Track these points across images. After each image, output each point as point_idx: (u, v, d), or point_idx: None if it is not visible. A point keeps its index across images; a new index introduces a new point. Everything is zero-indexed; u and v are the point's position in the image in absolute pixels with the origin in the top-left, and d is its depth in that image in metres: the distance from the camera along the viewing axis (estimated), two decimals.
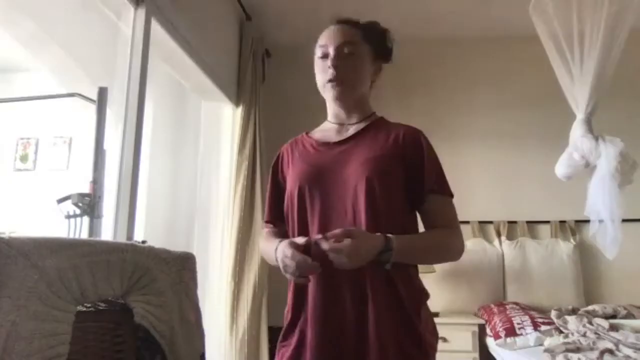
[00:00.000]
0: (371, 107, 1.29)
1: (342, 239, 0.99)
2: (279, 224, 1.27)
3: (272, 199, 1.28)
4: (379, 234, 1.05)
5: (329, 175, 1.15)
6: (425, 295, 1.15)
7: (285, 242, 1.08)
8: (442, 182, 1.16)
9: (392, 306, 1.06)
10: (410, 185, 1.14)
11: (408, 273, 1.11)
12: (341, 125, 1.24)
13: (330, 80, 1.17)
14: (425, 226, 1.18)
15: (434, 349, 1.11)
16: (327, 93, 1.21)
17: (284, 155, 1.29)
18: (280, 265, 1.08)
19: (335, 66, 1.17)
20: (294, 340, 1.11)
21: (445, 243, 1.15)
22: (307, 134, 1.29)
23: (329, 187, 1.13)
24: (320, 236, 1.02)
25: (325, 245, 1.00)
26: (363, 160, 1.12)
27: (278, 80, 3.60)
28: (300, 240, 1.06)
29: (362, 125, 1.22)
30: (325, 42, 1.20)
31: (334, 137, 1.23)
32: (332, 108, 1.27)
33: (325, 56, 1.19)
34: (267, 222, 1.31)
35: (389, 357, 1.02)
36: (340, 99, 1.20)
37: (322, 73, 1.20)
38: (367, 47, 1.22)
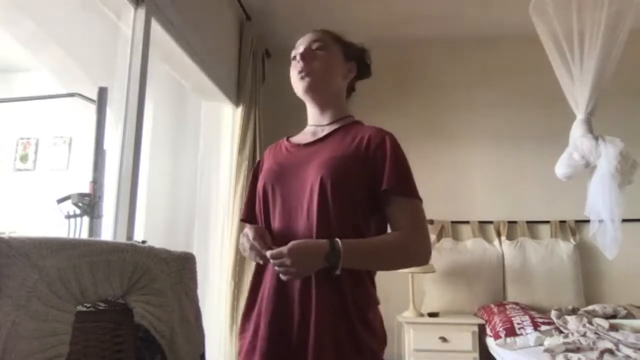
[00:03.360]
0: (348, 110, 1.30)
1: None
2: (253, 222, 1.29)
3: (248, 198, 1.31)
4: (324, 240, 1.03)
5: (291, 174, 1.17)
6: (374, 300, 1.13)
7: (251, 225, 1.14)
8: (406, 184, 1.13)
9: (334, 307, 1.04)
10: (372, 187, 1.12)
11: (358, 275, 1.09)
12: (317, 127, 1.26)
13: (299, 72, 1.21)
14: (391, 229, 1.14)
15: (376, 356, 1.08)
16: (298, 88, 1.23)
17: (265, 157, 1.32)
18: (240, 245, 1.15)
19: (302, 58, 1.21)
20: (250, 331, 1.13)
21: (402, 247, 1.11)
22: (287, 138, 1.32)
23: (290, 186, 1.15)
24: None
25: (267, 254, 1.02)
26: (322, 161, 1.13)
27: (278, 80, 3.58)
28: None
29: (334, 127, 1.23)
30: (297, 45, 1.25)
31: (307, 139, 1.25)
32: (308, 109, 1.29)
33: (296, 57, 1.24)
34: (242, 220, 1.34)
35: (325, 357, 1.01)
36: (310, 90, 1.21)
37: (293, 71, 1.24)
38: (337, 46, 1.26)
